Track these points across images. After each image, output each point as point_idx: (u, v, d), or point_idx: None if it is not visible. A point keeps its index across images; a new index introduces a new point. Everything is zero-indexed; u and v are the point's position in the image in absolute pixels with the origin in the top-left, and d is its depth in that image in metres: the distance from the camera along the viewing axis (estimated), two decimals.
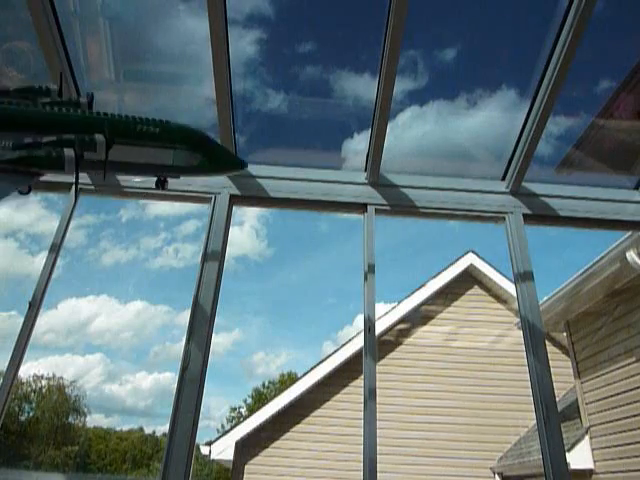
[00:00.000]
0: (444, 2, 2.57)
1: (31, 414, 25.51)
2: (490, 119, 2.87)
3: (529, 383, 2.17)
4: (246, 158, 2.67)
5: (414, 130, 2.91)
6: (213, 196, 2.50)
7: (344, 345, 8.51)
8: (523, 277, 2.38)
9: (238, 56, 2.58)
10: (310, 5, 2.66)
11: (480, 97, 2.79)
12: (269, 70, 2.80)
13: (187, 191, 2.54)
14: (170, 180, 2.54)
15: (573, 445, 5.93)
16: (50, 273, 2.35)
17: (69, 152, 0.98)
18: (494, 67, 2.76)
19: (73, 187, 1.04)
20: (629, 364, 5.45)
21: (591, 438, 6.01)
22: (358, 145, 2.65)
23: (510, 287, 8.24)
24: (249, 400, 25.20)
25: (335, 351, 8.50)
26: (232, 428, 8.43)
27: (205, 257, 2.35)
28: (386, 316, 8.56)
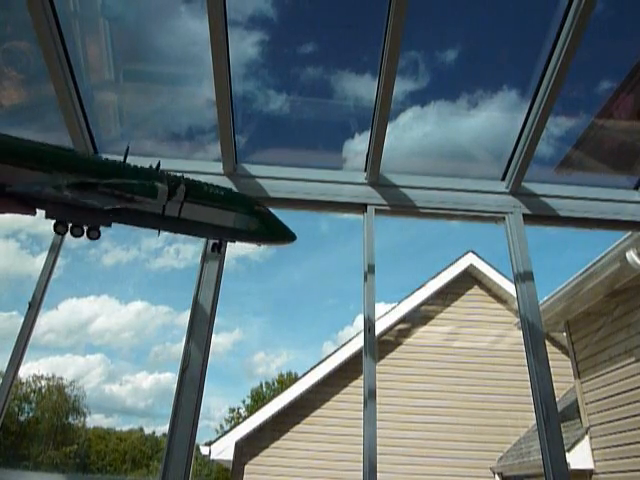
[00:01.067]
0: (445, 3, 2.57)
1: (31, 414, 25.51)
2: (491, 119, 2.87)
3: (529, 383, 2.18)
4: (246, 158, 2.69)
5: (415, 131, 2.91)
6: None
7: (344, 345, 8.51)
8: (523, 277, 2.38)
9: (240, 57, 2.58)
10: (311, 6, 2.66)
11: (481, 98, 2.79)
12: (270, 71, 2.80)
13: None
14: None
15: (573, 445, 5.94)
16: (50, 273, 2.35)
17: (162, 184, 1.07)
18: (495, 68, 2.76)
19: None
20: (629, 364, 5.45)
21: (591, 438, 6.01)
22: (359, 145, 2.65)
23: (510, 287, 8.25)
24: (248, 401, 25.21)
25: (335, 351, 8.50)
26: (232, 428, 8.43)
27: (205, 257, 2.35)
28: (386, 316, 8.57)
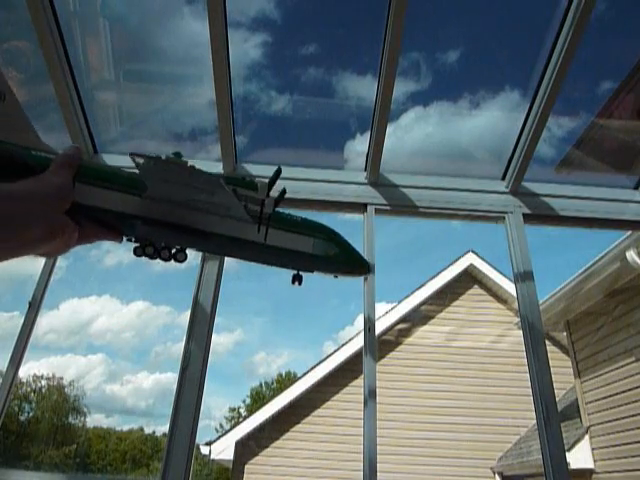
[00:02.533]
0: (446, 4, 2.57)
1: (31, 414, 25.53)
2: (492, 120, 2.87)
3: (529, 383, 2.18)
4: (247, 158, 2.69)
5: (416, 132, 2.91)
6: None
7: (344, 345, 8.51)
8: (523, 277, 2.38)
9: (243, 59, 2.59)
10: (314, 8, 2.66)
11: (483, 98, 2.79)
12: (273, 72, 2.81)
13: None
14: None
15: (573, 445, 5.94)
16: (50, 273, 2.35)
17: (261, 182, 1.03)
18: (497, 68, 2.76)
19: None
20: (629, 363, 5.46)
21: (591, 437, 6.02)
22: (361, 146, 2.65)
23: (510, 287, 8.25)
24: (248, 400, 25.23)
25: (335, 351, 8.51)
26: (232, 428, 8.43)
27: (205, 256, 2.35)
28: (386, 316, 8.57)
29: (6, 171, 0.85)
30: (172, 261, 0.98)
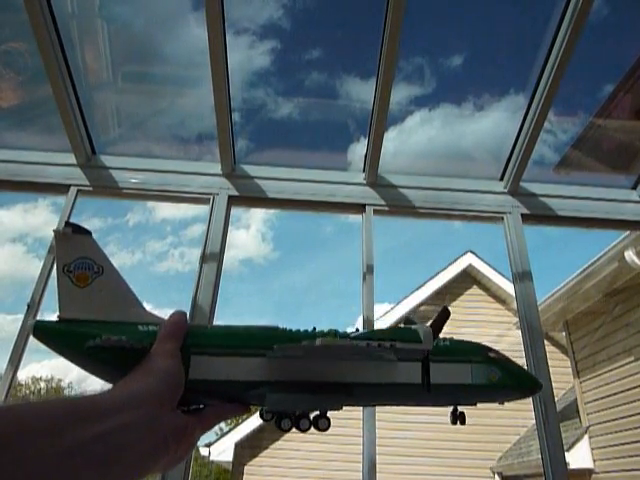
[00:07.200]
0: (449, 9, 2.57)
1: None
2: (495, 122, 2.87)
3: None
4: (245, 159, 2.69)
5: (420, 134, 2.91)
6: (212, 197, 2.50)
7: None
8: (522, 277, 2.38)
9: (247, 64, 2.60)
10: (319, 14, 2.67)
11: (488, 101, 2.79)
12: (278, 77, 2.82)
13: (186, 192, 2.54)
14: (169, 180, 2.55)
15: (572, 444, 5.94)
16: (48, 274, 2.34)
17: (425, 328, 0.83)
18: (501, 71, 2.76)
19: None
20: (628, 363, 5.46)
21: (590, 437, 6.02)
22: (364, 148, 2.65)
23: (509, 287, 8.25)
24: None
25: None
26: (231, 429, 8.42)
27: (204, 258, 2.35)
28: (385, 317, 8.57)
29: (115, 358, 0.71)
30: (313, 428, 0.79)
